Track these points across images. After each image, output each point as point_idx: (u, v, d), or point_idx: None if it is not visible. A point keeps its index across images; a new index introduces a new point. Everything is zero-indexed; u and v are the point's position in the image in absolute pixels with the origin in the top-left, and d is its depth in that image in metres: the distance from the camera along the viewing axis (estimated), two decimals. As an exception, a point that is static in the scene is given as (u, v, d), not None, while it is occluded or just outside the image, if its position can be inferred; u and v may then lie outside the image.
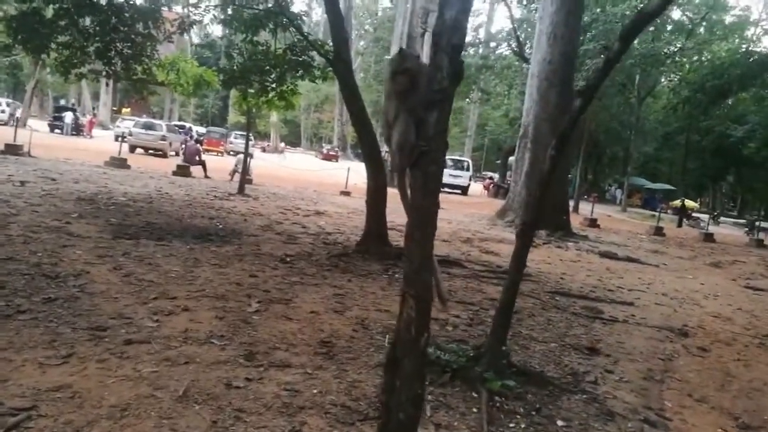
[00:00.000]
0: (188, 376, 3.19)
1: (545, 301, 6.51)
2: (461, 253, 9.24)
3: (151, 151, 25.95)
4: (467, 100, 51.46)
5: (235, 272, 5.80)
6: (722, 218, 37.00)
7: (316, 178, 23.34)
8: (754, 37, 35.70)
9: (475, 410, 3.27)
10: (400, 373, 1.92)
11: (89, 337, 3.59)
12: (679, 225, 26.78)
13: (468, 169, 31.48)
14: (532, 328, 5.25)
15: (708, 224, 23.49)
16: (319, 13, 59.09)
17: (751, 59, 18.75)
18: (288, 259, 6.81)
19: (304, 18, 10.10)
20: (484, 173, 45.97)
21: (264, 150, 44.01)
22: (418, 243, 2.05)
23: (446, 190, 27.50)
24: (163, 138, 25.81)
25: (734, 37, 32.97)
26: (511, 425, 3.18)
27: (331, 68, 8.80)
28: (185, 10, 10.64)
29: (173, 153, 27.19)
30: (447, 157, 33.43)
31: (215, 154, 32.38)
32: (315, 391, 3.24)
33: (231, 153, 33.96)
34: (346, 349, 4.00)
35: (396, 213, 8.36)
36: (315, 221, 10.89)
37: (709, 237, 19.42)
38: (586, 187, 37.53)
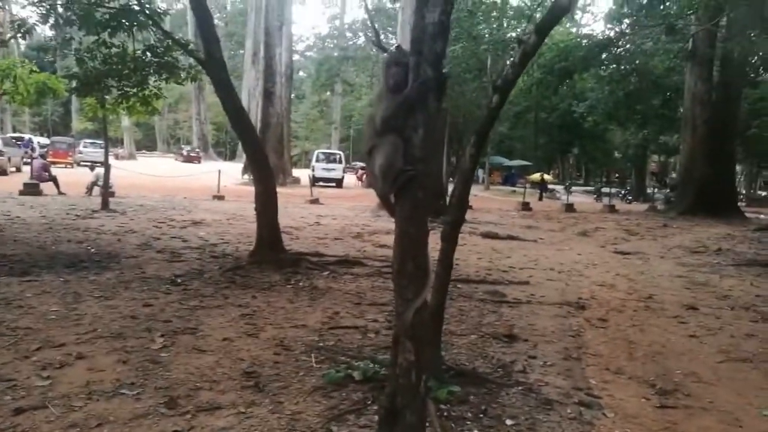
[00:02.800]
0: (105, 442, 2.75)
1: (450, 291, 6.56)
2: (356, 250, 9.12)
3: (-16, 170, 23.02)
4: (328, 92, 51.52)
5: (125, 303, 5.21)
6: (572, 188, 40.34)
7: (182, 184, 22.05)
8: (581, 21, 39.01)
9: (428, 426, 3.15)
10: (401, 424, 1.72)
11: (-35, 412, 2.98)
12: (540, 198, 28.79)
13: (341, 162, 31.48)
14: (448, 322, 5.23)
15: (567, 195, 25.41)
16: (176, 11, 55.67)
17: (589, 42, 20.45)
18: (179, 281, 6.27)
19: (165, 16, 9.32)
20: (353, 164, 46.22)
21: (117, 157, 40.83)
22: (411, 276, 1.85)
23: (320, 184, 27.27)
24: (0, 153, 22.99)
25: (564, 22, 35.86)
26: (466, 436, 3.10)
27: (199, 68, 8.23)
28: (18, 12, 9.39)
29: (13, 169, 24.35)
30: (319, 150, 33.27)
31: (64, 166, 29.45)
32: (255, 433, 2.94)
33: (82, 164, 31.11)
34: (274, 377, 3.70)
35: (282, 215, 8.05)
36: (194, 232, 10.21)
37: (569, 207, 21.03)
38: (451, 170, 39.11)
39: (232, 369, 3.78)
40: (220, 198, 17.63)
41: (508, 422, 3.27)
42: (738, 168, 35.15)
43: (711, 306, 6.61)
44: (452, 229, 3.53)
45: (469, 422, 3.22)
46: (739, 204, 23.92)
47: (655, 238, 13.56)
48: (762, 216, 20.76)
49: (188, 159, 47.99)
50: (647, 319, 5.94)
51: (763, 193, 45.18)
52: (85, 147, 35.21)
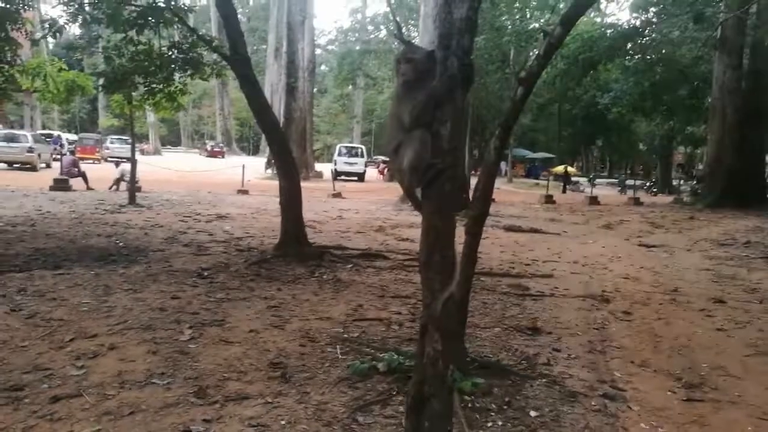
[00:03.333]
0: (138, 429, 2.83)
1: (473, 284, 6.57)
2: (379, 243, 9.17)
3: (16, 166, 23.56)
4: (350, 86, 51.52)
5: (153, 296, 5.32)
6: (596, 180, 39.87)
7: (206, 179, 22.33)
8: (606, 10, 38.43)
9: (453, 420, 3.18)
10: (428, 413, 1.76)
11: (4, 401, 3.09)
12: (564, 191, 28.51)
13: (362, 156, 31.51)
14: (471, 315, 5.25)
15: (591, 188, 25.14)
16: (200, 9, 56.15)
17: (615, 32, 20.15)
18: (206, 274, 6.37)
19: (189, 13, 9.44)
20: (375, 158, 46.24)
21: (143, 152, 41.46)
22: (438, 268, 1.88)
23: (342, 178, 27.37)
24: (30, 150, 23.50)
25: (590, 12, 35.34)
26: (489, 424, 3.12)
27: (225, 64, 8.32)
28: (47, 11, 9.58)
29: (43, 165, 24.88)
30: (341, 144, 33.36)
31: (91, 161, 30.02)
32: (283, 422, 3.00)
33: (109, 159, 31.68)
34: (300, 368, 3.76)
35: (305, 209, 8.12)
36: (220, 226, 10.35)
37: (594, 200, 20.79)
38: (473, 163, 38.92)
39: (258, 360, 3.86)
40: (245, 192, 17.81)
41: (532, 414, 3.28)
42: (768, 159, 34.38)
43: (739, 299, 6.51)
44: (476, 222, 3.52)
45: (493, 414, 3.25)
46: (768, 196, 23.40)
47: (680, 231, 13.35)
48: (793, 208, 20.27)
49: (212, 154, 48.50)
50: (673, 312, 5.89)
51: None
52: (111, 143, 35.81)
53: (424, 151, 1.86)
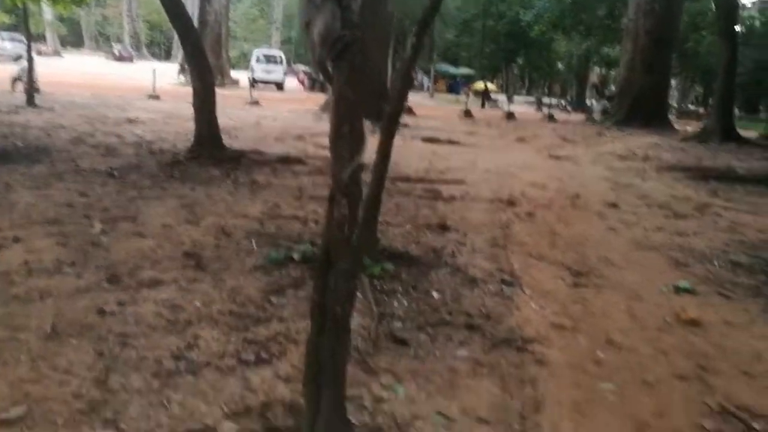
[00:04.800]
0: (50, 311, 2.85)
1: (389, 188, 6.76)
2: (298, 150, 9.13)
3: None
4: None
5: (59, 193, 5.15)
6: (515, 97, 40.71)
7: (114, 83, 20.99)
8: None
9: (359, 296, 3.39)
10: (335, 273, 1.89)
11: None
12: (483, 106, 29.02)
13: (282, 63, 30.41)
14: (385, 214, 5.45)
15: (508, 104, 25.74)
16: None
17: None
18: (116, 173, 6.19)
19: None
20: (295, 66, 44.75)
21: (40, 53, 38.03)
22: (348, 138, 1.95)
23: (260, 86, 26.46)
24: None
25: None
26: (395, 304, 3.36)
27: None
28: None
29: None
30: (259, 50, 31.90)
31: (-20, 60, 27.30)
32: (197, 304, 3.10)
33: None
34: (215, 258, 3.84)
35: (221, 116, 7.94)
36: (130, 130, 9.91)
37: (510, 116, 21.37)
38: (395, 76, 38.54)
39: (173, 251, 3.89)
40: (156, 98, 16.94)
41: (435, 295, 3.56)
42: (673, 81, 36.19)
43: (630, 204, 7.09)
44: (391, 120, 3.60)
45: (399, 295, 3.49)
46: (669, 116, 24.85)
47: (588, 146, 14.09)
48: (689, 128, 21.71)
49: (120, 58, 45.22)
50: (571, 214, 6.35)
51: (693, 107, 46.84)
52: (3, 41, 32.60)
53: (334, 23, 1.89)
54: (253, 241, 4.21)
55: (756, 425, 2.52)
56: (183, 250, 3.92)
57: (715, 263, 4.80)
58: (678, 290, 4.09)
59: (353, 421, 2.17)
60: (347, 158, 1.94)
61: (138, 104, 15.00)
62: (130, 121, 11.10)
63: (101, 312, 2.89)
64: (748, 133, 19.60)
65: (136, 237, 4.12)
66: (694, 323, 3.59)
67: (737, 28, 21.18)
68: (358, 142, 1.99)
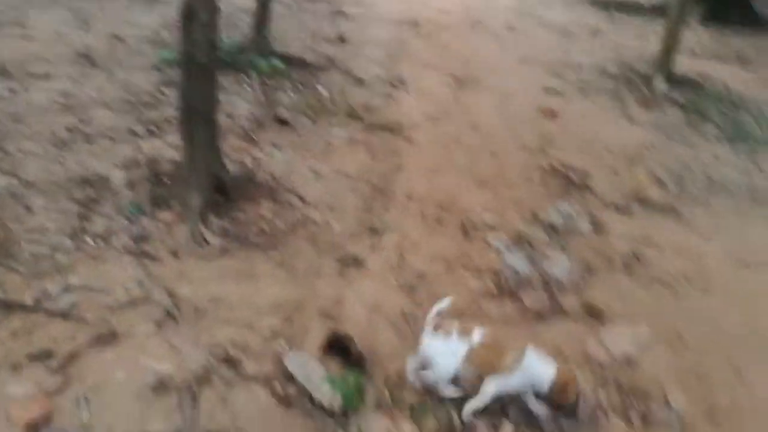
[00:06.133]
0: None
1: (293, 6, 6.71)
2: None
3: None
4: None
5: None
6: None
7: None
8: None
9: (249, 90, 3.64)
10: (194, 24, 2.08)
11: None
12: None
13: None
14: (287, 30, 5.53)
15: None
16: None
17: None
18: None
19: None
20: None
21: None
22: None
23: None
24: None
25: None
26: (283, 98, 3.65)
27: None
28: None
29: None
30: None
31: None
32: (92, 93, 3.27)
33: None
34: (108, 58, 3.92)
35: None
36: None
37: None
38: None
39: (64, 52, 3.92)
40: None
41: (323, 92, 3.85)
42: None
43: (528, 28, 7.38)
44: None
45: (289, 91, 3.77)
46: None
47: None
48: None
49: None
50: (468, 35, 6.61)
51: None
52: None
53: None
54: (148, 45, 4.26)
55: (572, 175, 3.10)
56: (75, 50, 3.96)
57: (587, 74, 5.27)
58: (547, 91, 4.56)
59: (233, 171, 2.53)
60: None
61: None
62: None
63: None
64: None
65: (25, 40, 4.09)
66: (552, 114, 4.10)
67: None
68: None
